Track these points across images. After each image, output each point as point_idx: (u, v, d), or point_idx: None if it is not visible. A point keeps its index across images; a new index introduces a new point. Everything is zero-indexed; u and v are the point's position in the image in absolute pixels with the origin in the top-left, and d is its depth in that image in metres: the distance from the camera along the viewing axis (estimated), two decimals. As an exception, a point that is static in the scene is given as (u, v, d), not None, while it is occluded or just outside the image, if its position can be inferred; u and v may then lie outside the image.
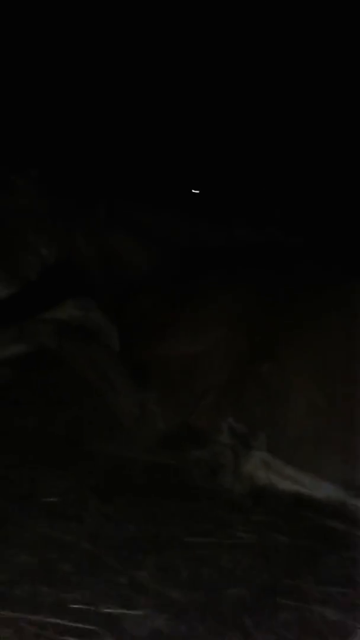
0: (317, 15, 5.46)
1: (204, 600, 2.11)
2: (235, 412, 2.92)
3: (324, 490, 2.72)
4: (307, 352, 2.88)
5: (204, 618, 2.02)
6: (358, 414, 2.75)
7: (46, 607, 2.00)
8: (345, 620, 2.07)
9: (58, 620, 1.94)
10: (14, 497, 2.62)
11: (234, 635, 1.94)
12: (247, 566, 2.30)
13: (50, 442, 3.14)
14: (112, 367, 3.26)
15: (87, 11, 5.43)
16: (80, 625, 1.94)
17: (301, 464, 2.74)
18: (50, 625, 1.93)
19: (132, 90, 5.29)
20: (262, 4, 5.50)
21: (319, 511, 2.69)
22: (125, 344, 3.40)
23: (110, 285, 3.52)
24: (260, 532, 2.51)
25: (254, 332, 3.05)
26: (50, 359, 3.46)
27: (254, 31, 5.51)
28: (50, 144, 3.62)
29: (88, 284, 3.62)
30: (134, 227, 3.50)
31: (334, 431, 2.76)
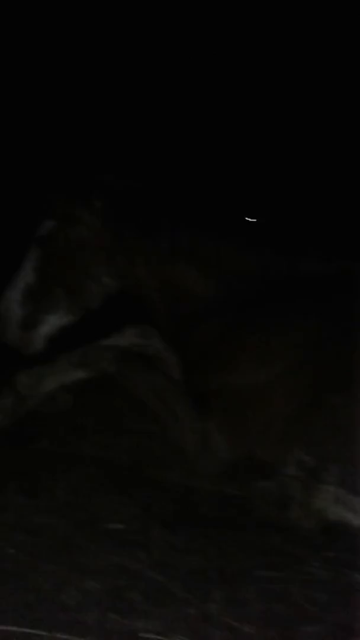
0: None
1: (279, 636, 2.02)
2: (304, 444, 2.84)
3: None
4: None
5: (279, 655, 1.92)
6: None
7: (116, 635, 1.94)
8: None
9: (129, 649, 1.88)
10: (79, 523, 2.58)
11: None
12: (322, 603, 2.20)
13: (111, 469, 3.10)
14: (173, 395, 3.22)
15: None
16: (152, 655, 1.87)
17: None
18: (122, 654, 1.86)
19: (192, 124, 5.36)
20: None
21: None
22: (188, 373, 3.36)
23: (172, 315, 3.50)
24: (333, 570, 2.40)
25: (323, 363, 2.98)
26: (111, 386, 3.45)
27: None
28: (113, 176, 3.65)
29: (149, 313, 3.62)
30: (197, 257, 3.48)
31: None
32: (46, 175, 3.78)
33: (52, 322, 3.46)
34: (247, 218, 3.72)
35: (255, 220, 3.71)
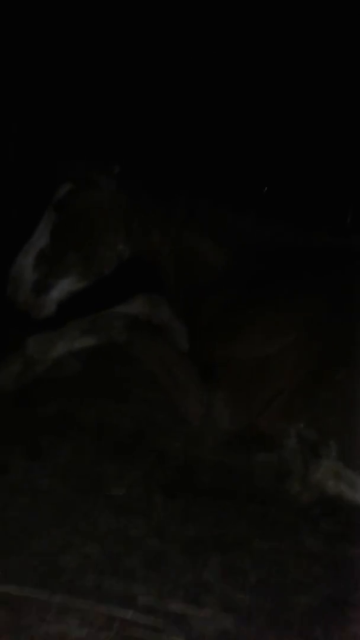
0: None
1: (272, 605, 2.07)
2: (306, 418, 2.86)
3: None
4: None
5: (272, 624, 1.98)
6: None
7: (114, 599, 2.00)
8: None
9: (126, 614, 1.94)
10: (81, 488, 2.63)
11: (304, 645, 1.90)
12: (316, 575, 2.25)
13: (116, 436, 3.15)
14: (180, 364, 3.24)
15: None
16: (148, 620, 1.93)
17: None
18: (118, 618, 1.92)
19: (212, 96, 5.32)
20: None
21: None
22: (195, 343, 3.38)
23: (183, 284, 3.50)
24: (329, 542, 2.45)
25: (329, 339, 2.98)
26: (118, 354, 3.48)
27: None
28: (132, 142, 3.63)
29: (161, 281, 3.62)
30: (211, 227, 3.47)
31: None
32: (65, 140, 3.76)
33: (64, 287, 3.46)
34: (262, 190, 3.71)
35: (270, 193, 3.70)
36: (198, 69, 5.41)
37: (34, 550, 2.17)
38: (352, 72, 5.32)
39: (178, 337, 3.60)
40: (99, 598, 1.99)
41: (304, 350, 3.02)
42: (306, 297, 3.14)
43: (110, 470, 2.78)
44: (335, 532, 2.52)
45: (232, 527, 2.48)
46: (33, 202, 3.73)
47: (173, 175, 3.55)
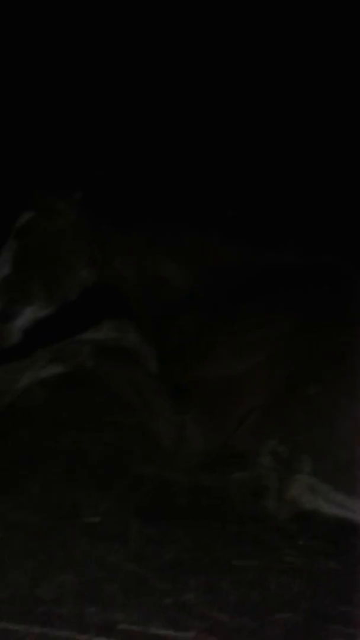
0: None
1: (254, 624, 2.05)
2: (279, 434, 2.87)
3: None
4: (354, 374, 2.83)
5: (255, 643, 1.96)
6: None
7: (94, 627, 1.96)
8: None
9: (107, 640, 1.90)
10: (56, 516, 2.59)
11: (288, 661, 1.88)
12: (296, 591, 2.24)
13: (88, 462, 3.11)
14: (150, 388, 3.23)
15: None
16: (130, 645, 1.89)
17: (348, 489, 2.67)
18: (99, 645, 1.89)
19: (173, 117, 5.37)
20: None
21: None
22: (165, 366, 3.38)
23: (150, 307, 3.51)
24: (308, 557, 2.44)
25: (299, 355, 3.01)
26: (88, 380, 3.45)
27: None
28: (94, 168, 3.65)
29: (126, 306, 3.62)
30: (175, 250, 3.49)
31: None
32: (27, 167, 3.77)
33: (29, 315, 3.43)
34: (226, 211, 3.75)
35: (234, 213, 3.74)
36: (164, 94, 5.47)
37: (10, 582, 2.12)
38: (322, 94, 5.44)
39: (147, 361, 3.60)
40: (79, 627, 1.95)
41: (274, 368, 3.04)
42: (275, 315, 3.16)
43: (84, 498, 2.74)
44: (314, 547, 2.52)
45: (211, 548, 2.46)
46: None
47: (135, 200, 3.57)
